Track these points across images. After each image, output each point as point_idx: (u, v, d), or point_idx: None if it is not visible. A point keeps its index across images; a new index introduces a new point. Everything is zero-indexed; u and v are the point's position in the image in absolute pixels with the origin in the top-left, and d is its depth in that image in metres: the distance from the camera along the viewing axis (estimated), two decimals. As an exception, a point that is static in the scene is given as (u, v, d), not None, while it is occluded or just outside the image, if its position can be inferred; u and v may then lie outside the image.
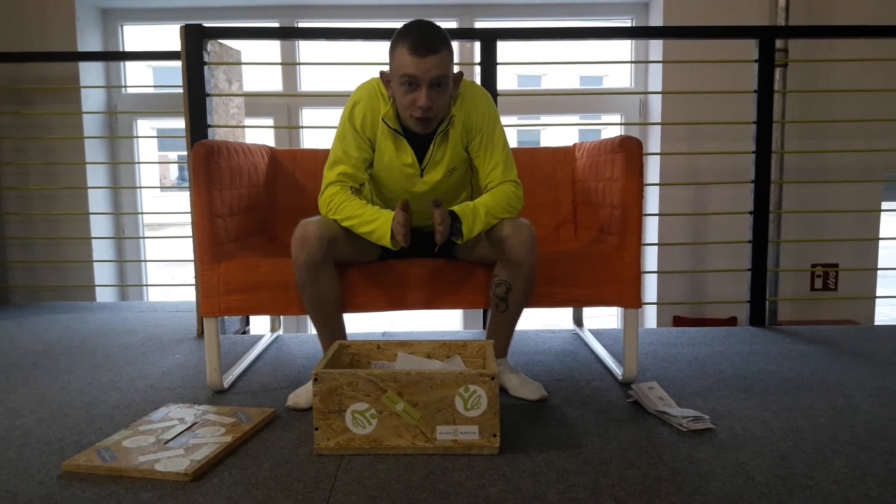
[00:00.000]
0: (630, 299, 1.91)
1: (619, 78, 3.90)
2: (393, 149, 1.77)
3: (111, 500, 1.31)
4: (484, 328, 2.82)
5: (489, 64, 2.61)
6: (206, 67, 2.54)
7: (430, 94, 1.63)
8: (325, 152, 2.35)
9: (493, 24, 3.62)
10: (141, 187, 3.54)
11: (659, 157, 3.41)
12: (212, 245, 1.87)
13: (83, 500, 1.32)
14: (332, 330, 1.83)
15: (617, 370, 2.07)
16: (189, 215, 2.69)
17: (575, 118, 3.85)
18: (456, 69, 1.73)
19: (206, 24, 2.53)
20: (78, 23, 3.37)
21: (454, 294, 1.89)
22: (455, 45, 3.60)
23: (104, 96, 3.61)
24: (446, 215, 1.62)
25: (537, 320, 6.44)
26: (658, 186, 3.41)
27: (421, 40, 1.59)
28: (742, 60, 2.68)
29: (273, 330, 2.65)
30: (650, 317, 3.60)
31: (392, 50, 1.66)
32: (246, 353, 2.35)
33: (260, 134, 3.99)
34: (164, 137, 3.50)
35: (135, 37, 3.84)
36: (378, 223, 1.68)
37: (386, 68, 1.83)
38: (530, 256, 1.73)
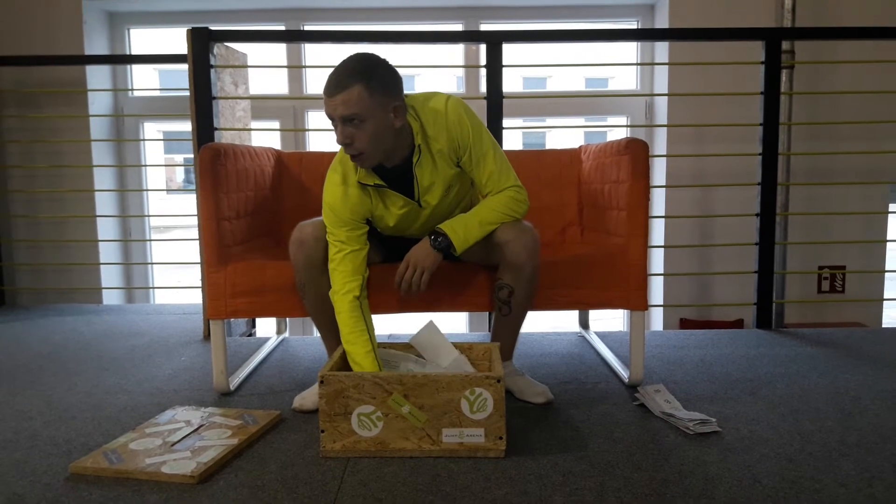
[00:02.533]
0: (636, 301, 1.91)
1: (625, 80, 3.90)
2: (384, 206, 1.74)
3: (118, 502, 1.32)
4: (489, 330, 2.81)
5: (495, 66, 2.61)
6: (212, 70, 2.55)
7: (345, 130, 1.59)
8: (331, 155, 2.36)
9: (498, 26, 3.62)
10: (147, 190, 3.56)
11: (665, 158, 3.41)
12: (218, 248, 1.88)
13: (90, 502, 1.32)
14: (335, 332, 1.83)
15: (623, 373, 2.06)
16: (195, 218, 2.70)
17: (580, 120, 3.85)
18: (395, 102, 1.63)
19: (213, 28, 2.54)
20: (85, 26, 3.39)
21: (459, 296, 1.89)
22: (460, 47, 3.61)
23: (111, 99, 3.63)
24: (406, 258, 1.68)
25: (543, 323, 6.44)
26: (664, 188, 3.40)
27: (330, 80, 1.57)
28: (748, 62, 2.67)
29: (279, 332, 2.65)
30: (656, 319, 3.59)
31: None
32: (252, 355, 2.35)
33: (266, 137, 4.00)
34: (170, 140, 3.52)
35: (141, 40, 3.85)
36: (354, 360, 1.68)
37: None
38: (532, 260, 1.73)
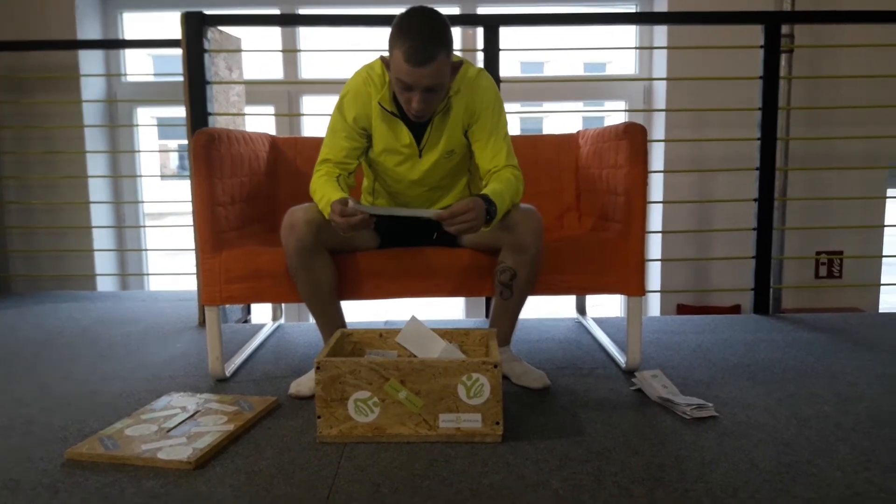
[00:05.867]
0: (634, 287, 1.90)
1: (623, 64, 3.87)
2: (390, 131, 1.77)
3: (114, 487, 1.31)
4: (487, 316, 2.81)
5: (492, 50, 2.58)
6: (206, 55, 2.52)
7: (424, 97, 1.61)
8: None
9: (495, 9, 3.59)
10: (141, 176, 3.53)
11: (663, 143, 3.39)
12: (213, 234, 1.86)
13: (86, 487, 1.32)
14: (328, 317, 1.83)
15: (620, 358, 2.06)
16: (190, 204, 2.69)
17: (578, 105, 3.83)
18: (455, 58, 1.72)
19: (207, 12, 2.51)
20: (77, 11, 3.35)
21: (456, 281, 1.88)
22: (457, 31, 3.57)
23: (104, 85, 3.59)
24: (473, 204, 1.55)
25: (540, 308, 6.44)
26: (662, 173, 3.39)
27: (416, 48, 1.53)
28: (748, 46, 2.65)
29: (275, 318, 2.64)
30: (654, 305, 3.59)
31: (391, 44, 1.60)
32: (248, 341, 2.35)
33: (260, 122, 3.97)
34: (164, 126, 3.49)
35: (134, 24, 3.81)
36: (324, 201, 1.67)
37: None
38: (536, 243, 1.73)
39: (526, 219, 1.71)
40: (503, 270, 1.78)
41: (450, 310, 6.20)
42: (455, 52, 1.80)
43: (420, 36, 1.54)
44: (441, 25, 1.58)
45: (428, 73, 1.56)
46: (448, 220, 1.56)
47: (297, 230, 1.71)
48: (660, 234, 3.44)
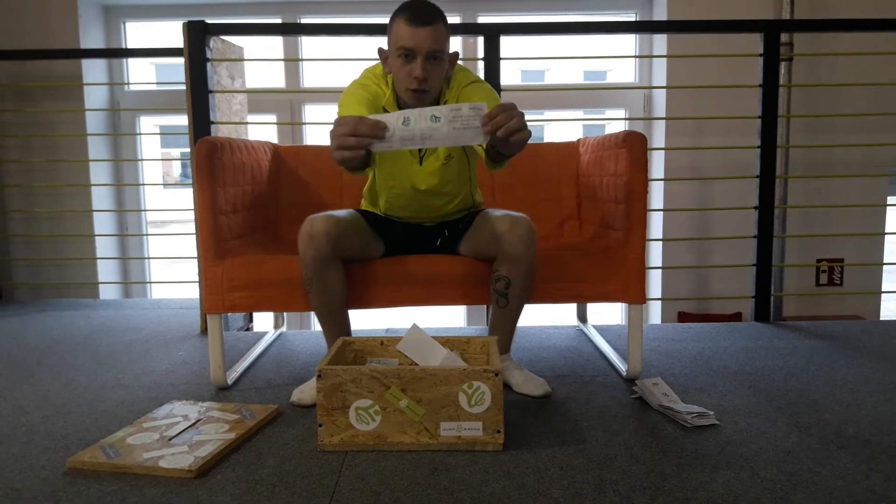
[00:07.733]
0: (634, 295, 1.91)
1: (623, 73, 3.88)
2: None
3: (115, 496, 1.32)
4: (487, 324, 2.81)
5: (493, 59, 2.60)
6: (208, 64, 2.54)
7: (426, 65, 1.65)
8: (329, 149, 2.35)
9: (496, 18, 3.60)
10: (144, 184, 3.54)
11: (663, 152, 3.40)
12: (215, 242, 1.87)
13: (88, 496, 1.32)
14: (338, 327, 1.83)
15: (621, 366, 2.06)
16: (192, 212, 2.70)
17: (579, 113, 3.85)
18: (451, 50, 1.77)
19: (209, 21, 2.53)
20: (80, 20, 3.37)
21: (457, 290, 1.89)
22: (458, 40, 3.59)
23: (107, 93, 3.61)
24: (509, 105, 1.40)
25: (541, 316, 6.44)
26: (662, 182, 3.40)
27: (418, 12, 1.62)
28: (747, 55, 2.67)
29: (276, 327, 2.65)
30: (654, 312, 3.59)
31: (390, 24, 1.69)
32: (249, 349, 2.35)
33: (263, 130, 3.98)
34: (167, 134, 3.50)
35: (137, 34, 3.83)
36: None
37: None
38: (529, 251, 1.73)
39: (516, 227, 1.72)
40: (498, 279, 1.79)
41: (451, 318, 6.19)
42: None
43: (419, 4, 1.64)
44: (437, 6, 1.67)
45: (429, 34, 1.61)
46: (496, 119, 1.39)
47: (316, 240, 1.70)
48: (660, 242, 3.45)
